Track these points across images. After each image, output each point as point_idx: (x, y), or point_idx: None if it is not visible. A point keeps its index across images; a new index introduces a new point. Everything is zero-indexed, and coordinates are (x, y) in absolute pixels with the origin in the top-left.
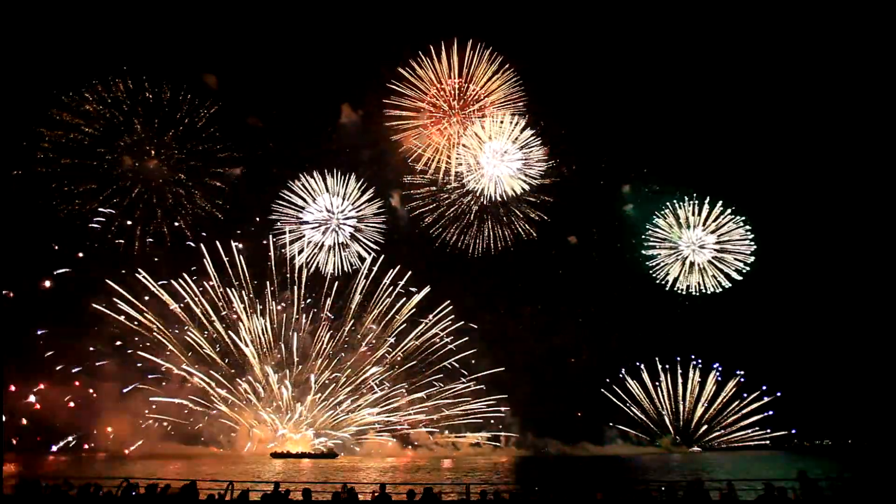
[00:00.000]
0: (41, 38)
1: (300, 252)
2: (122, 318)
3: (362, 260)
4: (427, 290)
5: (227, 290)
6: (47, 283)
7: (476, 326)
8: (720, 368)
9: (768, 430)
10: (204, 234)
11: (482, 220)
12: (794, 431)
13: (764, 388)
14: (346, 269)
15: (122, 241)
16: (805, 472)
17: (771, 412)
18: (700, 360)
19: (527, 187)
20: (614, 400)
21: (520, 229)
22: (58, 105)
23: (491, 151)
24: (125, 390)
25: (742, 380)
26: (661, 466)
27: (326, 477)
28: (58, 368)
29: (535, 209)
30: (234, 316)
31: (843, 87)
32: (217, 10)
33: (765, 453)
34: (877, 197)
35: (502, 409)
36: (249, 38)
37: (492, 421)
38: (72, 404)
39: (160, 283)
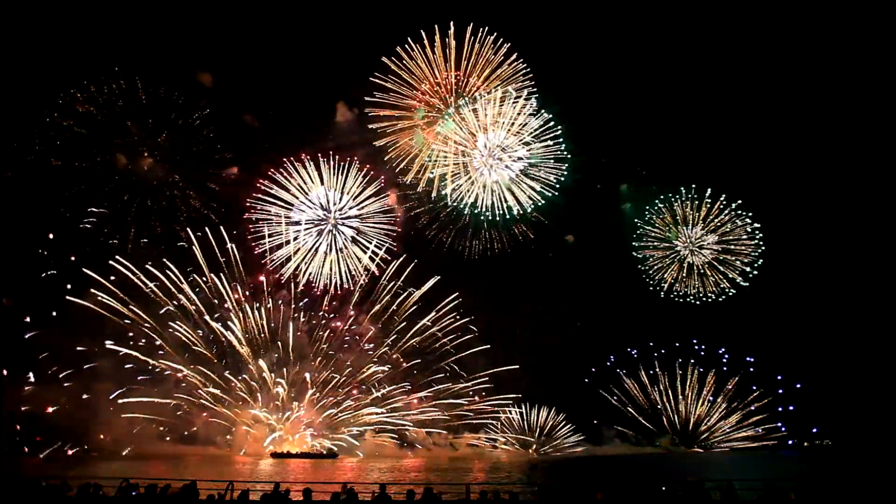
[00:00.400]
0: (31, 39)
1: (296, 252)
2: (114, 318)
3: (364, 265)
4: (436, 279)
5: (222, 289)
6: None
7: (475, 329)
8: (727, 357)
9: (784, 429)
10: (199, 234)
11: (478, 222)
12: (815, 430)
13: (779, 377)
14: (345, 283)
15: (116, 242)
16: (804, 473)
17: (791, 407)
18: (703, 347)
19: (536, 197)
20: (612, 401)
21: (516, 231)
22: (48, 106)
23: (486, 148)
24: (118, 392)
25: (751, 369)
26: (661, 467)
27: (326, 477)
28: (50, 372)
29: (533, 210)
30: (230, 314)
31: (850, 80)
32: (210, 8)
33: (768, 454)
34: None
35: (513, 408)
36: (244, 34)
37: (492, 422)
38: (57, 407)
39: (154, 283)
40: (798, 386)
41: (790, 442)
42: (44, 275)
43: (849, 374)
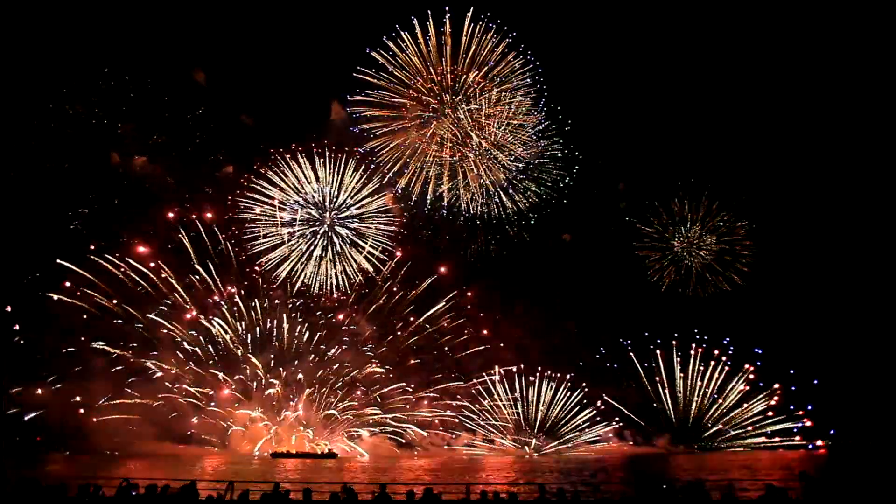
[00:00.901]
0: (20, 40)
1: (286, 257)
2: (107, 318)
3: (365, 272)
4: (433, 279)
5: (215, 289)
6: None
7: (471, 330)
8: (731, 350)
9: (795, 429)
10: (192, 234)
11: (474, 224)
12: (832, 432)
13: (791, 372)
14: (345, 289)
15: (104, 243)
16: (806, 472)
17: (810, 406)
18: (705, 338)
19: (533, 198)
20: (608, 399)
21: (511, 232)
22: (39, 107)
23: (482, 148)
24: (111, 393)
25: (758, 363)
26: (661, 466)
27: (326, 477)
28: (42, 374)
29: (530, 213)
30: (224, 313)
31: (847, 78)
32: (203, 7)
33: (771, 454)
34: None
35: (511, 408)
36: (237, 29)
37: (490, 422)
38: (43, 411)
39: (147, 283)
40: (815, 382)
41: (810, 446)
42: (30, 277)
43: (859, 372)
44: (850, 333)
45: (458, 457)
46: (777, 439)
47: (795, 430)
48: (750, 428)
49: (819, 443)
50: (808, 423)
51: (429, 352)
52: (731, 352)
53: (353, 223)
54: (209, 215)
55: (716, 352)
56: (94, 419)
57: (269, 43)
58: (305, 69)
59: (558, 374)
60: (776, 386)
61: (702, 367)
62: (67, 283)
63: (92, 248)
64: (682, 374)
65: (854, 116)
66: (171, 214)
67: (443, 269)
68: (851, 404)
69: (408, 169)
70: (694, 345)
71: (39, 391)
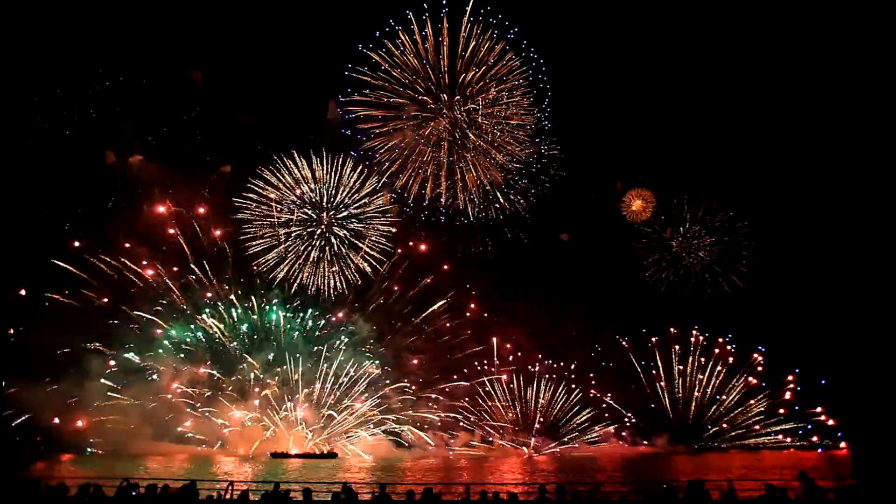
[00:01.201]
0: (12, 41)
1: (284, 257)
2: (102, 317)
3: (363, 272)
4: (430, 279)
5: (214, 287)
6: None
7: (471, 331)
8: (734, 346)
9: (800, 430)
10: (188, 233)
11: (471, 224)
12: (839, 435)
13: (797, 370)
14: (344, 289)
15: (96, 242)
16: (805, 472)
17: (819, 409)
18: (706, 334)
19: (530, 198)
20: (607, 399)
21: (508, 233)
22: (33, 107)
23: (479, 148)
24: (107, 392)
25: (761, 360)
26: (660, 466)
27: (326, 477)
28: (36, 374)
29: (525, 211)
30: (222, 312)
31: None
32: (199, 6)
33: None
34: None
35: (509, 407)
36: (235, 29)
37: (495, 422)
38: (35, 413)
39: (142, 283)
40: (823, 383)
41: (819, 449)
42: (24, 278)
43: (869, 372)
44: (858, 331)
45: (457, 457)
46: (790, 439)
47: (800, 431)
48: (757, 427)
49: (842, 445)
50: (831, 422)
51: (428, 352)
52: (732, 348)
53: (350, 223)
54: (205, 214)
55: (720, 340)
56: (91, 419)
57: (267, 42)
58: (303, 68)
59: (559, 366)
60: (789, 378)
61: (702, 361)
62: (62, 283)
63: (87, 247)
64: (680, 367)
65: (853, 113)
66: (166, 213)
67: (441, 269)
68: (862, 405)
69: (405, 170)
70: (695, 332)
71: (35, 392)
